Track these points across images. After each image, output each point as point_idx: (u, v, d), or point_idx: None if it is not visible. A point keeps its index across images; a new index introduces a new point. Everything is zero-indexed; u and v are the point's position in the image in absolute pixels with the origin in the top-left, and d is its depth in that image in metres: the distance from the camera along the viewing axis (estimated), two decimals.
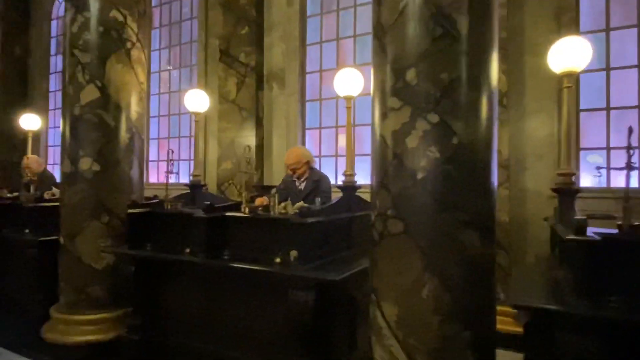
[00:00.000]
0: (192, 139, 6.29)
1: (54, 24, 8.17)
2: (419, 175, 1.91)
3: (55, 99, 8.06)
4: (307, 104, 5.31)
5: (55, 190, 4.44)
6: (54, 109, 8.05)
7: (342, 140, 5.16)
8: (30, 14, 8.22)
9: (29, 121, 5.26)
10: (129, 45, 3.60)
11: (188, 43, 6.35)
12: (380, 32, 2.03)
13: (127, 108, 3.60)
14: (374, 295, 2.11)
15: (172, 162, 3.31)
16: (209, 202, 2.85)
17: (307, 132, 5.31)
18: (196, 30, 6.15)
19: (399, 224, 1.97)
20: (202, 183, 3.88)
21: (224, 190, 5.39)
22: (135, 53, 3.66)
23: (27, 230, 4.00)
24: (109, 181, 3.48)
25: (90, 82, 3.42)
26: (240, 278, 2.82)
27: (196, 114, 3.90)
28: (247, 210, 2.85)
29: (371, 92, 2.12)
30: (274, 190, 3.27)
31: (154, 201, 3.40)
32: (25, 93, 8.21)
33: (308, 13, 5.34)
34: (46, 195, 4.40)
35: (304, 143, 5.27)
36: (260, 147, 5.40)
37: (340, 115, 5.06)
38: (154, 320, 3.24)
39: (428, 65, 1.92)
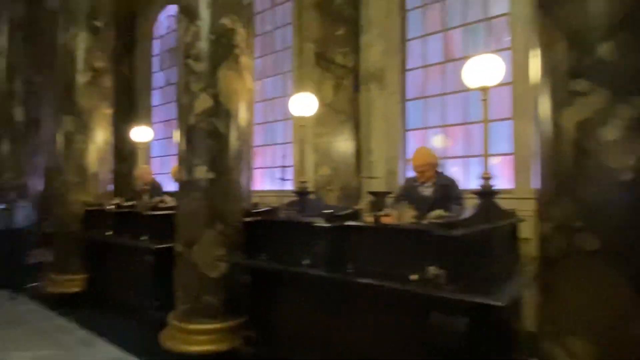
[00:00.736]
0: (287, 147, 6.27)
1: (155, 43, 8.78)
2: (624, 177, 1.50)
3: (158, 113, 8.63)
4: (408, 104, 4.96)
5: (167, 198, 4.60)
6: (157, 122, 8.62)
7: (449, 140, 4.72)
8: (135, 36, 8.93)
9: (140, 133, 5.60)
10: (237, 51, 3.57)
11: (282, 51, 6.37)
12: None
13: (236, 115, 3.56)
14: (549, 326, 1.72)
15: (284, 168, 3.18)
16: (331, 210, 2.63)
17: (408, 133, 4.95)
18: (290, 37, 6.12)
19: (592, 240, 1.57)
20: (309, 190, 3.71)
21: (321, 197, 5.23)
22: (243, 59, 3.62)
23: (144, 237, 4.16)
24: (221, 189, 3.46)
25: (203, 90, 3.43)
26: (365, 295, 2.55)
27: (301, 118, 3.76)
28: (371, 219, 2.59)
29: (531, 76, 1.76)
30: (393, 197, 2.98)
31: (267, 209, 3.28)
32: (131, 108, 8.90)
33: (408, 6, 5.00)
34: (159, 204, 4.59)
35: (404, 145, 4.92)
36: (358, 151, 5.15)
37: (450, 113, 4.63)
38: (269, 333, 3.11)
39: (631, 34, 1.51)
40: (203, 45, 3.46)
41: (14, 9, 7.45)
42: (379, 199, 2.91)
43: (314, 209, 3.41)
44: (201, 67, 3.45)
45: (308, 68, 5.66)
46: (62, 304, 4.97)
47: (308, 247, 2.75)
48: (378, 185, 4.88)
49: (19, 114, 7.33)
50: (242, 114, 3.62)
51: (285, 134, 6.35)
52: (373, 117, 5.11)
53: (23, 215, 6.22)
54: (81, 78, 5.40)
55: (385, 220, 2.40)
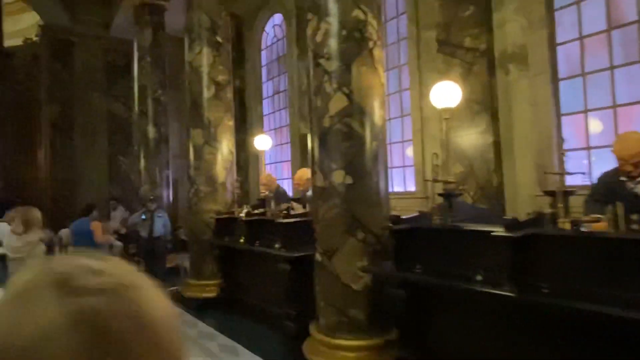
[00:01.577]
0: (405, 145, 5.87)
1: (263, 54, 9.06)
2: None
3: (268, 121, 8.88)
4: (562, 84, 4.20)
5: (294, 204, 4.53)
6: (268, 130, 8.86)
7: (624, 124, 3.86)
8: (243, 48, 9.32)
9: (260, 142, 5.67)
10: (370, 44, 3.29)
11: (394, 43, 5.99)
12: None
13: (371, 113, 3.29)
14: None
15: (436, 167, 2.80)
16: (512, 217, 2.18)
17: (564, 119, 4.19)
18: (404, 27, 5.72)
19: None
20: (458, 191, 3.27)
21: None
22: (376, 52, 3.33)
23: (277, 245, 4.11)
24: (360, 194, 3.20)
25: (338, 90, 3.22)
26: (567, 321, 2.04)
27: (445, 110, 3.33)
28: (567, 225, 2.07)
29: None
30: (588, 197, 2.39)
31: (415, 215, 2.93)
32: (244, 118, 9.28)
33: None
34: (286, 210, 4.54)
35: (559, 133, 4.17)
36: (497, 144, 4.53)
37: (622, 90, 3.79)
38: (426, 355, 2.75)
39: None
40: (335, 42, 3.24)
41: (142, 37, 8.24)
42: (557, 199, 2.37)
43: (463, 213, 2.97)
44: (334, 65, 3.24)
45: (428, 57, 5.19)
46: (200, 309, 5.22)
47: (479, 260, 2.33)
48: (524, 182, 4.22)
49: (151, 131, 8.08)
50: (377, 112, 3.33)
51: (403, 132, 5.95)
52: (515, 103, 4.45)
53: (161, 223, 6.78)
54: (206, 92, 5.66)
55: (597, 227, 1.87)
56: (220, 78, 5.75)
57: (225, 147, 5.79)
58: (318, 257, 3.35)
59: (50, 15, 9.09)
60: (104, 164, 10.18)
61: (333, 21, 3.27)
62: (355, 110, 3.23)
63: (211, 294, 5.46)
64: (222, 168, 5.72)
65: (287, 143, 8.19)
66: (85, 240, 5.11)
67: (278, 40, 8.61)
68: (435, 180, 2.78)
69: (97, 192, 9.92)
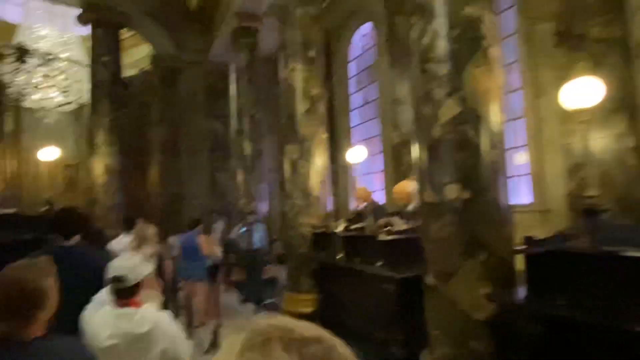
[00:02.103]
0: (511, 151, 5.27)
1: (351, 65, 9.01)
2: None
3: (357, 133, 8.76)
4: None
5: (394, 219, 4.28)
6: (358, 141, 8.74)
7: None
8: (332, 62, 9.37)
9: (354, 154, 5.53)
10: (485, 43, 2.94)
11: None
12: None
13: (488, 119, 2.93)
14: None
15: (583, 180, 2.35)
16: None
17: None
18: (510, 22, 5.19)
19: None
20: (603, 207, 2.74)
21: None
22: (492, 52, 2.98)
23: (379, 263, 3.89)
24: (479, 210, 2.84)
25: (449, 95, 2.93)
26: None
27: (579, 111, 2.84)
28: None
29: None
30: None
31: (556, 235, 2.50)
32: (332, 130, 9.27)
33: None
34: (382, 224, 4.31)
35: None
36: (638, 149, 3.80)
37: None
38: None
39: None
40: (444, 44, 2.97)
41: (238, 58, 8.72)
42: None
43: (611, 233, 2.45)
44: (444, 69, 2.95)
45: (544, 53, 4.60)
46: None
47: None
48: None
49: (247, 147, 8.46)
50: (495, 117, 2.96)
51: (513, 137, 5.36)
52: None
53: (259, 236, 6.99)
54: (301, 107, 5.70)
55: None
56: (314, 92, 5.77)
57: (319, 160, 5.77)
58: (430, 280, 3.05)
59: (160, 46, 10.10)
60: (205, 179, 10.93)
61: (442, 21, 3.00)
62: (470, 117, 2.90)
63: (307, 308, 5.41)
64: (316, 182, 5.70)
65: (378, 154, 7.96)
66: (192, 253, 5.39)
67: (366, 50, 8.49)
68: (578, 196, 2.33)
69: (199, 205, 10.69)
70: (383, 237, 3.76)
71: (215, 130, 10.90)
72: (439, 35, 3.00)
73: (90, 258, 2.68)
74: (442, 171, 2.96)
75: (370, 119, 8.49)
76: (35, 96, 7.88)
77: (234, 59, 9.30)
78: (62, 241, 2.64)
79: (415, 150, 3.26)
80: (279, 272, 7.70)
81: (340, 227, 4.80)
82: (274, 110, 12.11)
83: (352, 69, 9.00)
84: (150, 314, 1.84)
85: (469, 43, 2.93)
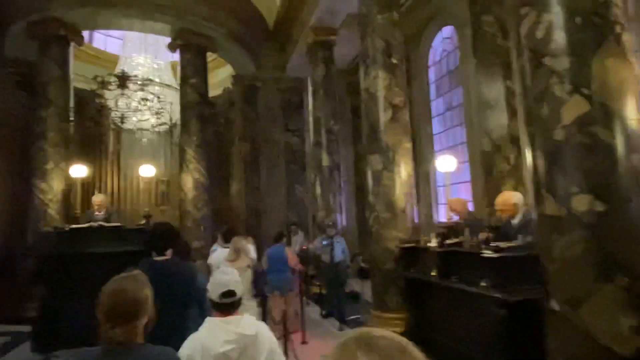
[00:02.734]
0: None
1: (431, 71, 8.64)
2: None
3: (439, 140, 8.32)
4: None
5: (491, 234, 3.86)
6: (440, 150, 8.29)
7: None
8: (411, 68, 9.06)
9: (444, 163, 5.18)
10: (618, 29, 2.53)
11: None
12: None
13: (623, 117, 2.49)
14: None
15: None
16: None
17: None
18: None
19: None
20: None
21: None
22: (625, 38, 2.55)
23: (483, 283, 3.51)
24: (617, 226, 2.40)
25: (573, 92, 2.54)
26: None
27: None
28: None
29: None
30: None
31: None
32: (413, 139, 8.90)
33: None
34: (482, 237, 3.91)
35: None
36: None
37: None
38: None
39: None
40: (564, 34, 2.60)
41: (315, 72, 8.80)
42: None
43: None
44: (565, 62, 2.58)
45: None
46: None
47: None
48: None
49: (325, 159, 8.44)
50: (631, 114, 2.51)
51: None
52: None
53: (340, 249, 6.85)
54: (384, 116, 5.51)
55: None
56: (397, 100, 5.55)
57: (404, 171, 5.50)
58: (554, 305, 2.63)
59: (241, 66, 10.60)
60: (283, 192, 11.14)
61: (559, 10, 2.64)
62: (601, 115, 2.48)
63: (396, 328, 5.10)
64: (401, 193, 5.43)
65: (463, 162, 7.46)
66: (280, 265, 5.42)
67: (448, 53, 8.08)
68: None
69: (277, 218, 10.91)
70: (489, 253, 3.38)
71: (292, 144, 11.10)
72: (556, 25, 2.64)
73: (181, 271, 2.75)
74: (568, 180, 2.56)
75: (454, 126, 8.02)
76: (134, 119, 8.63)
77: (309, 73, 9.43)
78: (156, 255, 2.72)
79: (528, 157, 2.89)
80: (361, 287, 7.49)
81: (433, 242, 4.47)
82: (349, 122, 12.11)
83: (431, 74, 8.62)
84: (252, 319, 1.92)
85: (596, 30, 2.54)
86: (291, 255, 5.90)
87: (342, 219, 8.66)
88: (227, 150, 11.55)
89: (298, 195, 10.93)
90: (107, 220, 5.85)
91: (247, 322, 1.90)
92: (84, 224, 5.66)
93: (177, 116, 8.94)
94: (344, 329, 5.82)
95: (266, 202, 11.02)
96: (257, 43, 10.47)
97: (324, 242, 7.03)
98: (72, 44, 8.59)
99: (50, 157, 7.85)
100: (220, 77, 11.74)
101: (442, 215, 8.31)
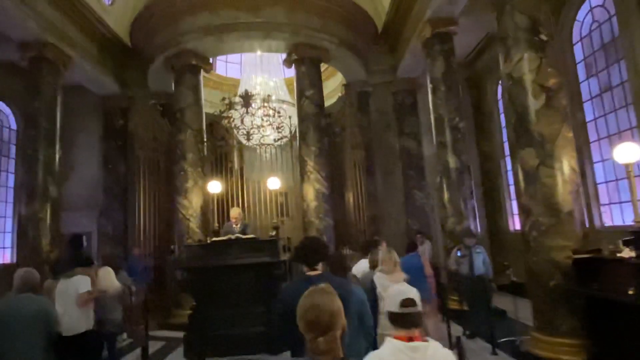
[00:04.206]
0: None
1: (576, 48, 7.35)
2: None
3: (594, 128, 6.96)
4: None
5: None
6: (596, 140, 6.93)
7: None
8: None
9: (625, 152, 4.15)
10: None
11: None
12: None
13: None
14: None
15: None
16: None
17: None
18: None
19: None
20: None
21: None
22: None
23: (630, 292, 2.57)
24: None
25: None
26: None
27: None
28: None
29: None
30: None
31: None
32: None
33: None
34: None
35: None
36: None
37: None
38: None
39: None
40: None
41: (433, 68, 8.16)
42: None
43: None
44: None
45: None
46: None
47: None
48: None
49: (452, 161, 7.70)
50: None
51: None
52: None
53: (480, 260, 6.08)
54: (534, 103, 4.69)
55: None
56: (551, 82, 4.68)
57: (567, 166, 4.58)
58: None
59: (351, 74, 10.46)
60: (400, 199, 10.59)
61: None
62: None
63: (572, 357, 4.20)
64: (566, 193, 4.52)
65: None
66: (418, 275, 4.94)
67: (599, 24, 6.76)
68: None
69: (396, 226, 10.38)
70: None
71: (407, 148, 10.54)
72: None
73: (340, 285, 2.58)
74: None
75: (615, 110, 6.63)
76: (257, 135, 9.02)
77: (424, 71, 8.83)
78: (308, 269, 2.55)
79: None
80: (509, 304, 6.54)
81: (625, 252, 3.53)
82: (470, 119, 11.09)
83: (578, 52, 7.31)
84: (439, 347, 1.70)
85: None
86: (427, 263, 5.39)
87: (476, 226, 7.78)
88: (342, 159, 11.46)
89: (417, 201, 10.29)
90: (242, 232, 6.04)
91: (436, 351, 1.68)
92: (224, 236, 5.91)
93: (295, 129, 9.12)
94: (499, 353, 5.03)
95: (383, 210, 10.59)
96: (366, 48, 10.23)
97: (459, 253, 6.32)
98: (202, 71, 9.38)
99: (189, 176, 8.59)
100: (330, 87, 11.79)
101: (610, 217, 6.91)
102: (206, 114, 9.49)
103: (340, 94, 11.15)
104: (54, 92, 8.23)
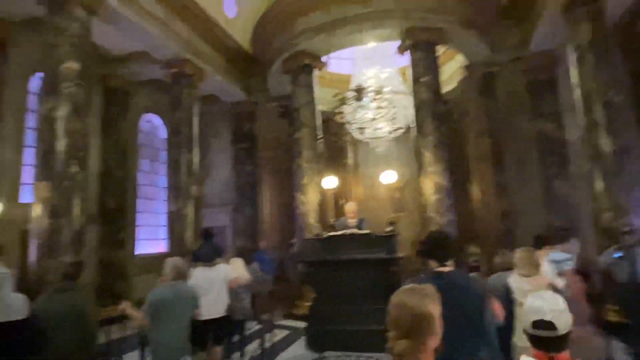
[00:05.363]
0: None
1: None
2: None
3: None
4: None
5: None
6: None
7: None
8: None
9: None
10: None
11: None
12: None
13: None
14: None
15: None
16: None
17: None
18: None
19: None
20: None
21: None
22: None
23: None
24: None
25: None
26: None
27: None
28: None
29: None
30: None
31: None
32: None
33: None
34: None
35: None
36: None
37: None
38: None
39: None
40: None
41: (577, 36, 6.88)
42: None
43: None
44: None
45: None
46: None
47: None
48: None
49: (605, 144, 6.38)
50: None
51: None
52: None
53: None
54: None
55: None
56: None
57: None
58: None
59: (473, 54, 9.52)
60: (537, 191, 9.25)
61: None
62: None
63: None
64: None
65: None
66: None
67: None
68: None
69: (533, 222, 9.09)
70: None
71: (545, 132, 9.13)
72: None
73: (472, 286, 2.29)
74: None
75: None
76: (370, 129, 8.87)
77: (572, 35, 7.49)
78: (437, 265, 2.33)
79: None
80: None
81: None
82: (629, 91, 9.11)
83: None
84: None
85: None
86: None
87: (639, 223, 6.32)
88: (464, 148, 10.55)
89: (559, 193, 8.85)
90: (358, 227, 5.93)
91: None
92: (340, 230, 5.89)
93: (410, 120, 8.69)
94: None
95: (516, 203, 9.39)
96: (489, 23, 9.18)
97: (616, 255, 5.17)
98: (315, 70, 9.61)
99: (305, 172, 8.87)
100: (449, 72, 10.95)
101: None
102: (321, 111, 9.70)
103: (460, 78, 10.28)
104: (192, 102, 9.32)
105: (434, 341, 1.31)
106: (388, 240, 5.81)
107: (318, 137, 9.21)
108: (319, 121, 9.47)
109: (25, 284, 5.50)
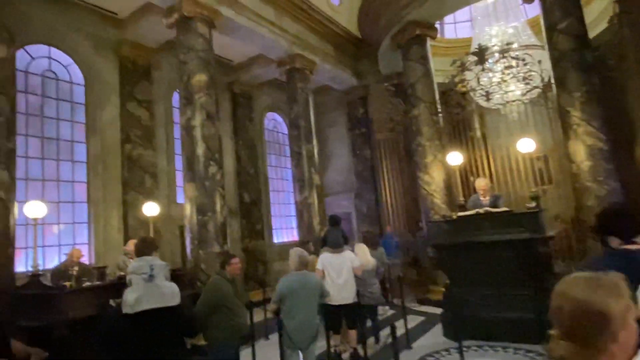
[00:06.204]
0: None
1: None
2: None
3: None
4: None
5: None
6: None
7: None
8: None
9: None
10: None
11: None
12: None
13: None
14: None
15: None
16: None
17: None
18: None
19: None
20: None
21: None
22: None
23: None
24: None
25: None
26: None
27: None
28: None
29: None
30: None
31: None
32: None
33: None
34: None
35: None
36: None
37: None
38: None
39: None
40: None
41: None
42: None
43: None
44: None
45: None
46: None
47: None
48: None
49: None
50: None
51: None
52: None
53: None
54: None
55: None
56: None
57: None
58: None
59: None
60: None
61: None
62: None
63: None
64: None
65: None
66: None
67: None
68: None
69: None
70: None
71: None
72: None
73: None
74: None
75: None
76: (498, 94, 7.85)
77: None
78: (621, 242, 1.92)
79: None
80: None
81: None
82: None
83: None
84: None
85: None
86: None
87: None
88: (624, 101, 8.61)
89: None
90: (493, 205, 5.30)
91: None
92: (471, 210, 5.35)
93: (548, 76, 7.41)
94: None
95: None
96: None
97: None
98: (428, 40, 8.93)
99: (427, 150, 8.35)
100: (594, 14, 9.04)
101: None
102: (438, 84, 8.99)
103: (611, 16, 8.37)
104: (306, 95, 9.59)
105: (623, 349, 0.95)
106: (532, 218, 5.06)
107: (438, 112, 8.56)
108: (437, 94, 8.80)
109: (185, 271, 6.38)
